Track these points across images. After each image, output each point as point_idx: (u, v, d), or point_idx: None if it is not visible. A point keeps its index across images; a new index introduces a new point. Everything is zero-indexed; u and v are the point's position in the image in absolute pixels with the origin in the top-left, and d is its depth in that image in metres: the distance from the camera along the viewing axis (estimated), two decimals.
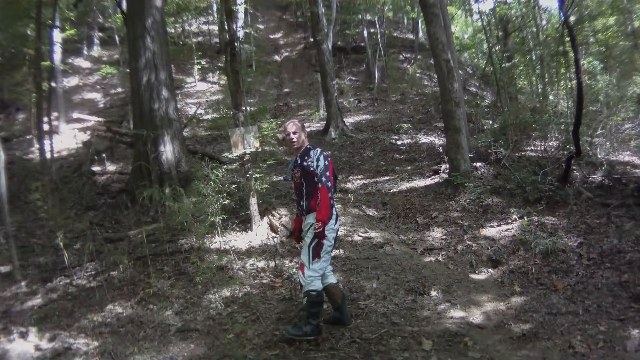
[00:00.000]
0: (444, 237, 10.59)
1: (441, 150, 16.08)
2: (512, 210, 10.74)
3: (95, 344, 6.81)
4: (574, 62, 11.70)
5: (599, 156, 12.86)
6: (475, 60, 33.98)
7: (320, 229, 5.99)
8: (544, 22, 24.87)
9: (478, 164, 14.01)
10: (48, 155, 16.21)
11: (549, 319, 6.61)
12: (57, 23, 21.12)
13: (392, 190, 14.09)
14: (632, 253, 8.09)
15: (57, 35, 21.64)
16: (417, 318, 6.81)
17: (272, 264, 9.01)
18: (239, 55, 11.48)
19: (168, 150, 13.01)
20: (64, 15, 24.32)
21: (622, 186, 10.84)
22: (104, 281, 8.90)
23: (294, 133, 6.24)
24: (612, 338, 5.98)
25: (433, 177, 14.51)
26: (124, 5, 14.01)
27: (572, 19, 13.88)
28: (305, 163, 6.18)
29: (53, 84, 19.74)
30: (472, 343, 6.02)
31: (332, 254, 9.66)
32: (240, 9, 25.21)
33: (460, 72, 21.40)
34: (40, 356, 6.66)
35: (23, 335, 7.20)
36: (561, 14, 14.22)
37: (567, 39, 14.53)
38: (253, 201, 10.54)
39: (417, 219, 11.81)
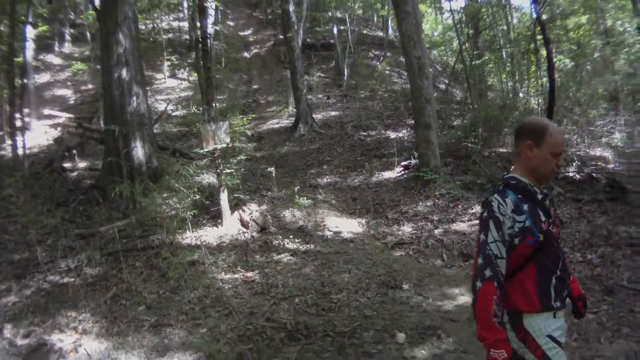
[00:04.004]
0: (415, 231, 10.68)
1: (410, 146, 16.15)
2: None
3: (69, 339, 6.76)
4: (545, 60, 11.80)
5: (570, 152, 13.02)
6: (445, 57, 34.15)
7: None
8: (515, 21, 25.02)
9: (448, 160, 14.11)
10: (20, 152, 16.05)
11: None
12: (30, 19, 20.94)
13: (362, 186, 14.14)
14: (603, 247, 8.24)
15: (30, 32, 21.42)
16: (390, 311, 6.85)
17: (243, 258, 9.01)
18: (210, 52, 11.46)
19: (139, 146, 12.94)
20: (37, 12, 24.11)
21: (593, 182, 11.00)
22: (77, 277, 8.83)
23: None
24: (586, 330, 6.05)
25: (403, 172, 14.61)
26: (97, 1, 13.86)
27: (544, 17, 14.01)
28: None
29: (25, 81, 19.59)
30: (446, 336, 6.09)
31: (303, 249, 9.72)
32: (211, 6, 25.10)
33: (430, 69, 21.49)
34: (16, 352, 6.60)
35: None
36: (533, 11, 14.39)
37: (539, 37, 14.65)
38: (223, 196, 10.54)
39: (387, 214, 11.90)
